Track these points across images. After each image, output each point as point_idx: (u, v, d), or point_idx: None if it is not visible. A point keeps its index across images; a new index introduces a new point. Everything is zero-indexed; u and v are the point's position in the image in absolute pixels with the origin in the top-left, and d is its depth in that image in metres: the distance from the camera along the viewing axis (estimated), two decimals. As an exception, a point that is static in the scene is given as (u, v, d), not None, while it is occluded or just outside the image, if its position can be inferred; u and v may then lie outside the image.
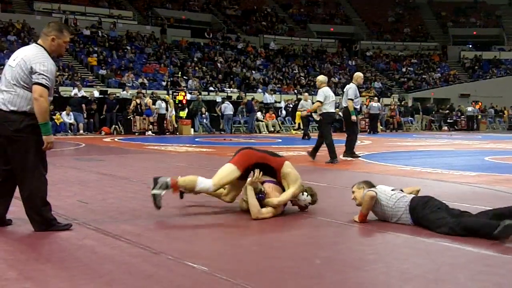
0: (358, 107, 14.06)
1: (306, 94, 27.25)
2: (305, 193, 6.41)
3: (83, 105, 25.42)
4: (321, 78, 13.42)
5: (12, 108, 5.23)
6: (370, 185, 6.16)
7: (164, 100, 26.50)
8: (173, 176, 6.35)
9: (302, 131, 24.59)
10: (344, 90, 14.26)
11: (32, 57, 5.29)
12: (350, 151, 14.06)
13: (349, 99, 13.58)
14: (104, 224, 5.70)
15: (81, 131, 24.50)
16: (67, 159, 13.79)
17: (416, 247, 4.96)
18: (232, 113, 28.59)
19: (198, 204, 6.86)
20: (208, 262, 4.36)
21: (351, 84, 13.99)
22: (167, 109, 26.24)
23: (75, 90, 27.31)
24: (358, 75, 14.29)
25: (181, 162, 12.89)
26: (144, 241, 5.00)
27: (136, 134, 25.19)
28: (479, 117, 38.28)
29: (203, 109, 28.19)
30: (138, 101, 25.92)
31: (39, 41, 5.49)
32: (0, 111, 5.26)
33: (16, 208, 5.64)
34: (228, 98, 31.25)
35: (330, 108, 12.85)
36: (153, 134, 25.27)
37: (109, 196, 7.57)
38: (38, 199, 5.31)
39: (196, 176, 6.35)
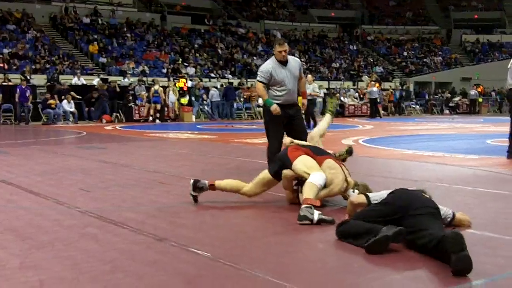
0: None
1: (310, 76, 25.47)
2: (356, 190, 5.85)
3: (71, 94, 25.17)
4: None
5: None
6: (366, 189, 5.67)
7: (163, 86, 26.57)
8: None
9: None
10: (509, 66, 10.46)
11: None
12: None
13: None
14: (106, 212, 5.68)
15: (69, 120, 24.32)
16: (68, 148, 13.78)
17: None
18: (219, 99, 28.58)
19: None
20: (212, 248, 4.35)
21: None
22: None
23: (75, 79, 27.27)
24: None
25: (183, 149, 12.87)
26: (147, 228, 4.99)
27: (142, 121, 25.19)
28: (481, 100, 38.21)
29: (204, 96, 28.18)
30: (156, 87, 25.88)
31: None
32: None
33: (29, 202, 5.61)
34: (230, 84, 31.16)
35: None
36: (160, 122, 25.25)
37: (111, 184, 7.55)
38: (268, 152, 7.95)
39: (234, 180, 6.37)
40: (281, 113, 7.78)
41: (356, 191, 5.84)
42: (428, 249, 4.07)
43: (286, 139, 6.54)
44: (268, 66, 7.85)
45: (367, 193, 5.12)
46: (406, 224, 4.31)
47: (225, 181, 6.30)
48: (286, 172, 5.92)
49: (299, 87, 8.31)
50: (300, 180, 5.89)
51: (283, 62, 7.80)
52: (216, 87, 29.46)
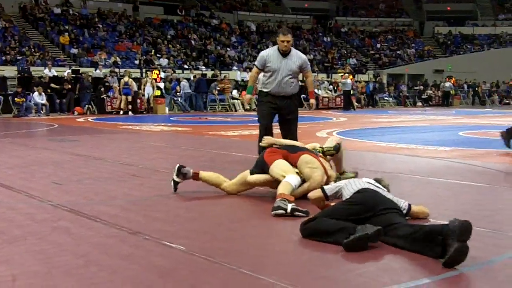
0: None
1: None
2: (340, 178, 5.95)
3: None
4: None
5: None
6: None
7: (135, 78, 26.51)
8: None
9: None
10: None
11: None
12: None
13: None
14: (79, 205, 5.63)
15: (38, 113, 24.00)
16: (40, 140, 13.65)
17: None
18: (190, 91, 28.46)
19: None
20: (186, 241, 4.33)
21: None
22: (139, 88, 26.18)
23: (46, 70, 26.96)
24: None
25: (156, 141, 12.80)
26: (120, 222, 4.96)
27: (114, 113, 24.98)
28: (453, 92, 38.54)
29: (177, 88, 28.00)
30: (126, 79, 25.66)
31: None
32: None
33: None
34: (203, 76, 31.00)
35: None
36: (133, 114, 25.06)
37: (83, 177, 7.49)
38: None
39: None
40: (270, 102, 7.95)
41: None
42: (410, 238, 4.09)
43: (264, 139, 6.59)
44: (265, 52, 8.06)
45: (323, 186, 5.18)
46: (375, 222, 4.33)
47: (209, 173, 6.37)
48: (249, 179, 6.10)
49: (306, 86, 8.38)
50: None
51: (284, 53, 7.83)
52: (187, 79, 29.31)
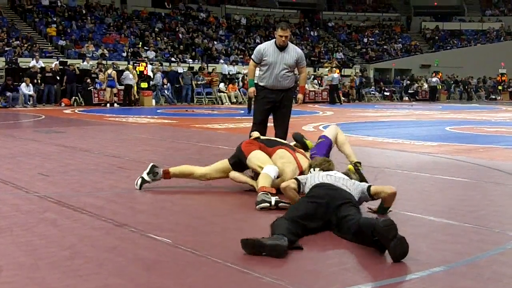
0: None
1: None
2: (312, 170, 5.71)
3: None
4: None
5: None
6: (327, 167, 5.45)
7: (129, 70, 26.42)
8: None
9: None
10: None
11: None
12: None
13: None
14: (65, 197, 5.62)
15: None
16: (27, 131, 13.58)
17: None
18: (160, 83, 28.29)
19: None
20: (172, 234, 4.34)
21: None
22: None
23: (33, 62, 26.77)
24: None
25: (143, 133, 12.77)
26: (106, 214, 4.95)
27: (102, 105, 24.82)
28: (439, 87, 38.65)
29: (164, 80, 27.86)
30: (109, 71, 25.52)
31: None
32: None
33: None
34: (190, 69, 30.89)
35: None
36: (119, 106, 24.94)
37: (70, 169, 7.47)
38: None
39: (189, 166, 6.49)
40: (266, 97, 7.89)
41: (312, 170, 5.80)
42: (352, 233, 4.16)
43: (253, 133, 6.61)
44: (262, 46, 8.01)
45: (297, 177, 5.22)
46: (332, 216, 4.44)
47: (177, 167, 6.39)
48: (231, 175, 6.19)
49: (298, 81, 8.33)
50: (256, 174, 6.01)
51: (281, 47, 7.82)
52: (165, 72, 29.17)
